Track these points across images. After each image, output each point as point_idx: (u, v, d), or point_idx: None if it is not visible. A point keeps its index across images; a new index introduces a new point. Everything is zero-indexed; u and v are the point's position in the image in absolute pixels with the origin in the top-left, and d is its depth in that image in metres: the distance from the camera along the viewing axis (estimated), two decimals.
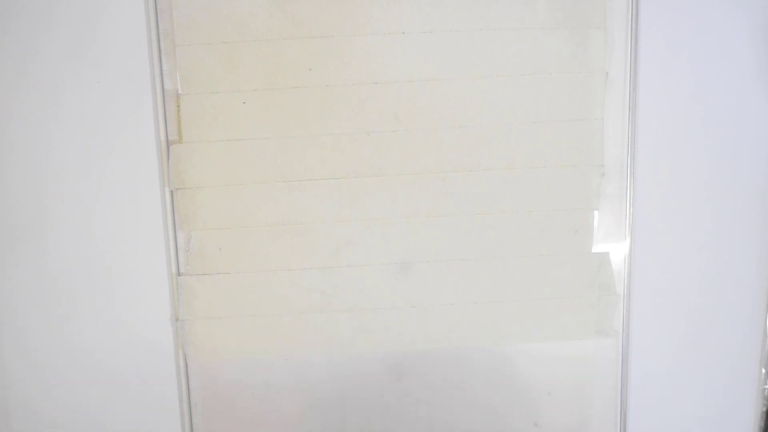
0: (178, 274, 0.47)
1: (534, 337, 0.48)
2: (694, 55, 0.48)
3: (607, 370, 0.50)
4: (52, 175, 0.46)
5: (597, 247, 0.48)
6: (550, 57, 0.46)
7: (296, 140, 0.46)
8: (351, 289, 0.47)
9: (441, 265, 0.47)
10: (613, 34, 0.46)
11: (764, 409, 0.51)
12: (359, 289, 0.47)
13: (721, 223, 0.49)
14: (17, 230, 0.46)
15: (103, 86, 0.46)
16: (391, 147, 0.46)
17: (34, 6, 0.45)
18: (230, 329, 0.47)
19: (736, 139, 0.49)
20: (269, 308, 0.47)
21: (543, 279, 0.48)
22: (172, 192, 0.46)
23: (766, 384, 0.51)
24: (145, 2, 0.45)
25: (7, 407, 0.48)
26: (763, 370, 0.50)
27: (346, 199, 0.47)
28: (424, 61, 0.46)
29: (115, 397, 0.48)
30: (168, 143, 0.46)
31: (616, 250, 0.48)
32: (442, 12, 0.45)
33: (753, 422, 0.51)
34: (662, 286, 0.49)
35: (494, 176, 0.47)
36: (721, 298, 0.50)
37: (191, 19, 0.45)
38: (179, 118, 0.46)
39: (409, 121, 0.46)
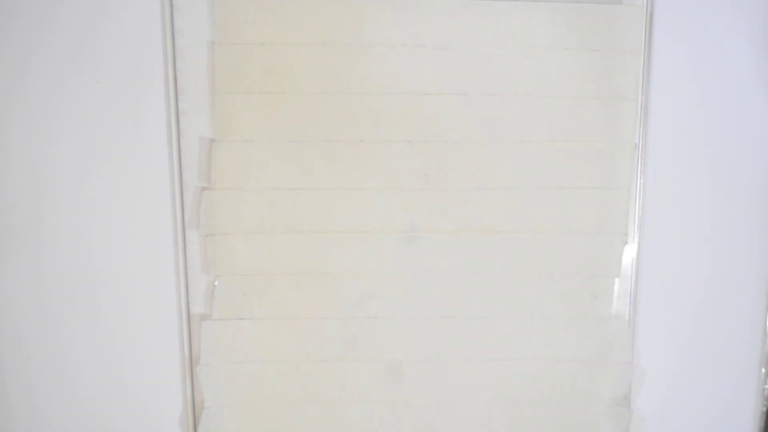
0: (195, 317, 0.47)
1: (546, 398, 0.49)
2: (702, 73, 0.48)
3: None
4: (51, 179, 0.47)
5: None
6: (581, 125, 0.47)
7: (326, 192, 0.46)
8: (372, 340, 0.48)
9: (463, 321, 0.48)
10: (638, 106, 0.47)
11: (764, 409, 0.51)
12: (380, 341, 0.48)
13: (721, 225, 0.50)
14: (15, 229, 0.47)
15: (111, 94, 0.46)
16: (421, 205, 0.47)
17: (35, 5, 0.45)
18: (251, 374, 0.48)
19: (738, 143, 0.49)
20: (290, 355, 0.48)
21: (560, 341, 0.48)
22: (190, 235, 0.47)
23: (766, 384, 0.51)
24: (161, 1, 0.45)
25: (7, 407, 0.48)
26: (763, 370, 0.51)
27: (372, 253, 0.47)
28: (457, 124, 0.46)
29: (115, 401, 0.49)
30: (199, 188, 0.46)
31: (623, 253, 0.48)
32: (477, 79, 0.46)
33: (753, 422, 0.51)
34: (664, 287, 0.50)
35: (520, 238, 0.47)
36: (721, 299, 0.50)
37: (232, 69, 0.45)
38: (210, 165, 0.46)
39: (439, 181, 0.47)
